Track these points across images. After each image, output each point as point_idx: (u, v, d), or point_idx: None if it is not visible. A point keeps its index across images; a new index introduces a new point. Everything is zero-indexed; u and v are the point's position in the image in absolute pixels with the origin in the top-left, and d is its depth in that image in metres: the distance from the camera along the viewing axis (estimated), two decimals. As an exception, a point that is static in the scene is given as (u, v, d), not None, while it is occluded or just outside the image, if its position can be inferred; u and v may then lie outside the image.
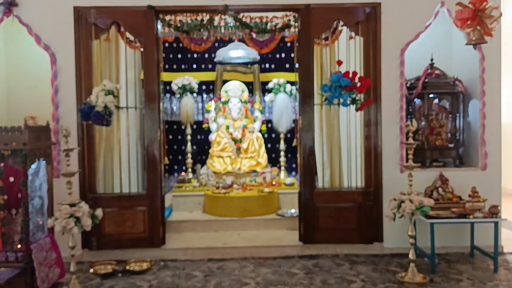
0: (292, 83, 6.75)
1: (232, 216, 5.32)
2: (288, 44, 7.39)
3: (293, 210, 5.52)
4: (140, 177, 4.66)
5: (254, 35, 4.72)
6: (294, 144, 4.74)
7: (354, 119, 4.66)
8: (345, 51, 4.63)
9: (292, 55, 7.43)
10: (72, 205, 3.51)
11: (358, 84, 4.28)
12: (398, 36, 4.50)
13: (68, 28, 4.43)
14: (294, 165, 7.53)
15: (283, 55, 7.46)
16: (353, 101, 4.34)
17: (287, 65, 7.44)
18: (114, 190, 4.67)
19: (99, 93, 4.21)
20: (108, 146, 4.71)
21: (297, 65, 4.74)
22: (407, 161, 4.21)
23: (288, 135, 6.86)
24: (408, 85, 4.77)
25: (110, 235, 4.50)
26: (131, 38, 4.71)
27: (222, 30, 4.64)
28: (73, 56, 4.45)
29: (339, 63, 4.46)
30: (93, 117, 4.22)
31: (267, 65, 7.49)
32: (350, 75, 4.29)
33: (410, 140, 3.77)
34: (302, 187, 4.63)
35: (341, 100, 4.35)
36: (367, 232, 4.58)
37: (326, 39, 4.73)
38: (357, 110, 4.42)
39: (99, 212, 3.71)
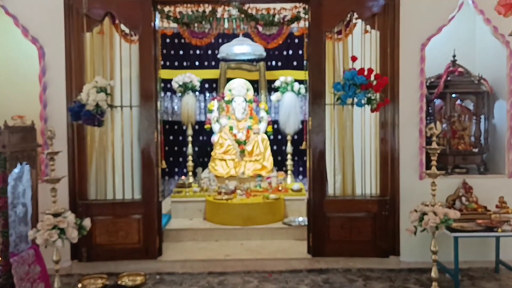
0: (300, 82, 6.42)
1: (235, 225, 4.99)
2: (296, 40, 7.10)
3: (300, 219, 5.19)
4: (135, 182, 4.32)
5: (260, 28, 4.37)
6: (303, 147, 4.40)
7: (369, 121, 4.31)
8: (359, 47, 4.28)
9: (300, 52, 7.11)
10: (56, 214, 3.18)
11: (374, 82, 3.95)
12: (418, 30, 4.16)
13: (58, 19, 4.12)
14: (301, 169, 7.22)
15: (290, 51, 7.15)
16: (369, 101, 4.01)
17: (295, 63, 7.13)
18: (107, 196, 4.35)
19: (90, 91, 3.90)
20: (100, 148, 4.39)
21: (306, 62, 4.38)
22: (427, 167, 3.88)
23: (295, 137, 6.55)
24: (427, 84, 4.41)
25: (101, 245, 4.19)
26: (127, 30, 4.39)
27: (226, 23, 4.30)
28: (63, 50, 4.14)
29: (354, 59, 4.11)
30: (83, 117, 3.91)
31: (273, 63, 7.19)
32: (365, 73, 3.95)
33: (434, 145, 3.40)
34: (311, 194, 4.28)
35: (355, 100, 4.02)
36: (382, 245, 4.24)
37: (339, 33, 4.39)
38: (372, 110, 4.08)
39: (87, 222, 3.38)
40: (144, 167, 4.23)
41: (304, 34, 4.47)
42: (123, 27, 4.35)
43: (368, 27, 4.25)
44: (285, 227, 5.00)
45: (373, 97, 4.00)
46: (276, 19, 4.30)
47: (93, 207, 4.20)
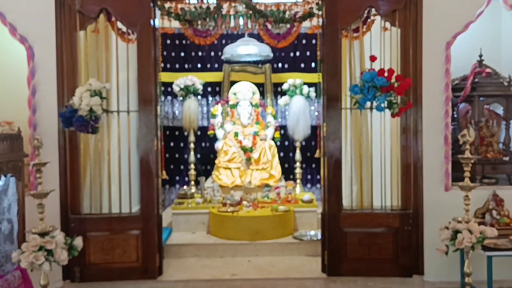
0: (309, 85, 6.11)
1: (241, 239, 4.65)
2: (304, 41, 6.80)
3: (312, 232, 4.85)
4: (133, 195, 3.99)
5: (269, 26, 4.04)
6: (316, 155, 4.05)
7: (390, 126, 3.98)
8: (378, 45, 3.95)
9: (308, 53, 6.81)
10: (43, 234, 2.85)
11: (396, 84, 3.62)
12: (443, 27, 3.83)
13: (49, 16, 3.81)
14: (309, 177, 6.89)
15: (297, 53, 6.83)
16: (390, 105, 3.68)
17: (302, 65, 6.82)
18: (103, 210, 4.02)
19: (83, 94, 3.59)
20: (95, 157, 4.09)
21: (320, 63, 4.05)
22: (453, 178, 3.56)
23: (303, 143, 6.23)
24: (451, 86, 4.07)
25: (96, 264, 3.85)
26: (124, 29, 4.08)
27: (232, 20, 3.97)
28: (54, 50, 3.83)
29: (373, 59, 3.77)
30: (75, 123, 3.60)
31: (279, 65, 6.86)
32: (386, 74, 3.63)
33: (467, 154, 3.06)
34: (326, 207, 3.94)
35: (375, 104, 3.69)
36: (405, 263, 3.90)
37: (356, 30, 4.08)
38: (394, 115, 3.74)
39: (78, 241, 3.06)
40: (143, 178, 3.90)
41: (318, 33, 4.11)
42: (119, 25, 4.03)
43: (388, 24, 3.92)
44: (296, 242, 4.66)
45: (394, 101, 3.68)
46: (287, 16, 3.98)
47: (87, 222, 3.87)
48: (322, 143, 4.04)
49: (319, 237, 4.64)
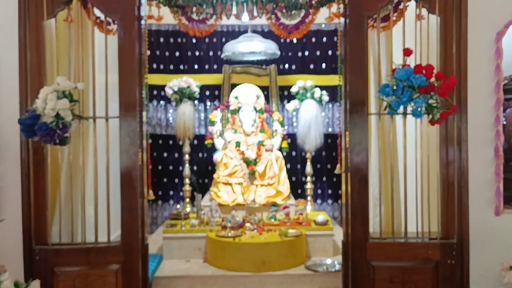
0: (321, 88, 5.47)
1: (245, 271, 3.97)
2: (313, 39, 6.19)
3: (328, 261, 4.17)
4: (113, 220, 3.31)
5: (279, 14, 3.39)
6: (337, 171, 3.39)
7: (426, 135, 3.31)
8: (412, 38, 3.30)
9: (318, 52, 6.22)
10: (-18, 280, 2.16)
11: (437, 84, 2.97)
12: (493, 14, 3.20)
13: (10, 2, 3.18)
14: (319, 191, 6.23)
15: (306, 52, 6.24)
16: (429, 109, 3.02)
17: (312, 66, 6.21)
18: (75, 238, 3.34)
19: (48, 96, 2.93)
20: (67, 173, 3.44)
21: (341, 58, 3.40)
22: (505, 199, 2.92)
23: (313, 153, 5.59)
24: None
25: (65, 307, 3.16)
26: (102, 17, 3.42)
27: (234, 7, 3.31)
28: (16, 42, 3.19)
29: (408, 52, 3.12)
30: (38, 132, 2.93)
31: (286, 66, 6.24)
32: (424, 71, 2.98)
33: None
34: (349, 235, 3.27)
35: (410, 107, 3.04)
36: (447, 304, 3.21)
37: (385, 19, 3.43)
38: (433, 122, 3.08)
39: (35, 286, 2.36)
40: (124, 199, 3.24)
41: (338, 21, 3.46)
42: (97, 12, 3.38)
43: (425, 11, 3.27)
44: (310, 274, 3.97)
45: (434, 104, 3.02)
46: (300, 1, 3.32)
47: (55, 254, 3.20)
48: (343, 155, 3.37)
49: (337, 267, 4.00)
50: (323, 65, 6.16)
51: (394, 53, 3.45)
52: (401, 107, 3.06)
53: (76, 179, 3.41)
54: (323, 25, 6.11)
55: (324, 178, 6.24)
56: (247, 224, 4.41)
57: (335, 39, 6.10)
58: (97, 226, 3.28)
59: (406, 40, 3.28)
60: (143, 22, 3.35)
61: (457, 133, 3.24)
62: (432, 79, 3.01)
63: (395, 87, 3.03)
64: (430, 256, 3.23)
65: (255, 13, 3.36)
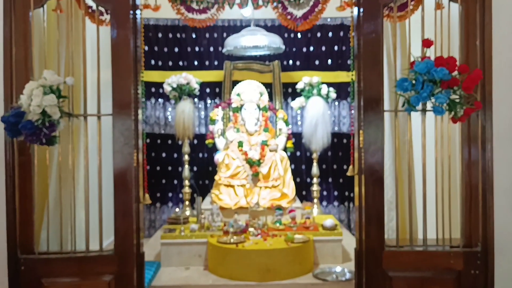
0: (329, 85, 5.23)
1: (249, 280, 3.74)
2: (319, 34, 5.95)
3: (337, 268, 3.93)
4: (106, 227, 3.06)
5: (286, 3, 3.13)
6: (349, 173, 3.13)
7: (447, 134, 3.06)
8: (432, 28, 3.04)
9: (324, 48, 5.98)
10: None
11: (459, 77, 2.73)
12: (521, 1, 2.94)
13: (-7, -11, 2.94)
14: (325, 193, 5.99)
15: (311, 48, 6.01)
16: (452, 105, 2.77)
17: (317, 62, 5.98)
18: (64, 247, 3.08)
19: (34, 91, 2.68)
20: (56, 176, 3.19)
21: (354, 51, 3.15)
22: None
23: (318, 153, 5.35)
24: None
25: (54, 322, 2.91)
26: (94, 6, 3.16)
27: (237, -4, 3.06)
28: (1, 34, 2.95)
29: (428, 43, 2.88)
30: (23, 130, 2.68)
31: (289, 62, 6.01)
32: (447, 64, 2.74)
33: None
34: (363, 242, 3.01)
35: (430, 104, 2.80)
36: (470, 318, 2.96)
37: (401, 8, 3.18)
38: (456, 120, 2.83)
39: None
40: (118, 204, 2.98)
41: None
42: (89, 1, 3.13)
43: (445, 0, 3.02)
44: (318, 283, 3.74)
45: (457, 100, 2.77)
46: (309, -12, 3.07)
47: (42, 264, 2.94)
48: (357, 156, 3.11)
49: (348, 276, 3.76)
50: (329, 61, 5.93)
51: (413, 45, 3.19)
52: (420, 104, 2.82)
53: (65, 182, 3.16)
54: (328, 19, 5.87)
55: (330, 179, 6.00)
56: (251, 229, 4.16)
57: (341, 33, 5.89)
58: (88, 233, 3.03)
59: (429, 30, 3.03)
60: (138, 12, 3.10)
61: (481, 131, 2.98)
62: (454, 73, 2.77)
63: (414, 82, 2.80)
64: (452, 265, 2.97)
65: (260, 2, 3.10)
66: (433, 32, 3.01)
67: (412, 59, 2.85)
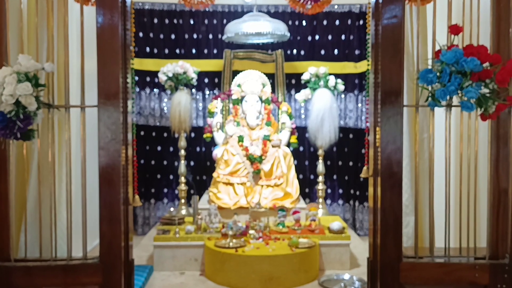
0: (335, 76, 4.92)
1: (249, 288, 3.43)
2: (325, 22, 5.62)
3: (346, 276, 3.64)
4: (90, 232, 2.76)
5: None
6: (363, 174, 2.82)
7: (474, 133, 2.74)
8: (459, 14, 2.73)
9: (330, 37, 5.65)
10: None
11: (491, 68, 2.43)
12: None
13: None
14: (329, 191, 5.69)
15: (316, 37, 5.68)
16: (483, 100, 2.47)
17: (323, 51, 5.66)
18: (44, 253, 2.78)
19: (6, 79, 2.36)
20: (34, 175, 2.86)
21: (371, 39, 2.83)
22: None
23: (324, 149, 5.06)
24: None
25: (31, 338, 2.62)
26: (78, -17, 2.84)
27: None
28: (-28, 13, 2.62)
29: (456, 30, 2.57)
30: (-6, 124, 2.36)
31: (294, 51, 5.68)
32: (477, 53, 2.43)
33: None
34: (379, 253, 2.71)
35: (457, 98, 2.50)
36: (497, 338, 2.67)
37: (425, -10, 2.85)
38: (486, 117, 2.54)
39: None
40: (104, 207, 2.67)
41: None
42: (72, -23, 2.79)
43: (473, -19, 2.70)
44: (325, 292, 3.44)
45: (489, 94, 2.46)
46: (322, -34, 2.73)
47: (19, 272, 2.65)
48: (372, 154, 2.81)
49: (357, 284, 3.47)
50: (335, 51, 5.60)
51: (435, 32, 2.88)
52: (447, 98, 2.51)
53: (46, 181, 2.84)
54: (336, 6, 5.54)
55: (335, 177, 5.71)
56: (251, 232, 3.87)
57: (349, 22, 5.57)
58: (70, 237, 2.73)
59: (456, 16, 2.71)
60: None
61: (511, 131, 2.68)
62: (485, 64, 2.46)
63: (439, 73, 2.49)
64: (477, 279, 2.68)
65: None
66: (462, 18, 2.70)
67: (438, 47, 2.54)
